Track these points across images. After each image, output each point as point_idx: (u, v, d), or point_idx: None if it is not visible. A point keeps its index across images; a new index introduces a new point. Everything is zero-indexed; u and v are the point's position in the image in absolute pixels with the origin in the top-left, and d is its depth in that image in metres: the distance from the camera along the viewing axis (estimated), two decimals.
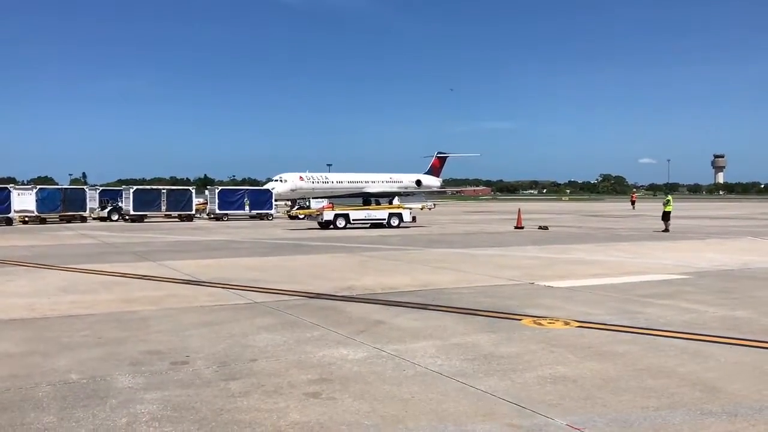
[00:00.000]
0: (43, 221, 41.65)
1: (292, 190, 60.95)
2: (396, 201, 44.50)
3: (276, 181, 60.90)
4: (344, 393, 6.14)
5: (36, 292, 12.37)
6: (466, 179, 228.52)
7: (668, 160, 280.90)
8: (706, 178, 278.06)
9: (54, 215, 42.61)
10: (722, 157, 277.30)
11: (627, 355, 7.43)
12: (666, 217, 30.31)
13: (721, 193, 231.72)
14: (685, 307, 10.52)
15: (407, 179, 76.52)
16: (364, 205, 53.55)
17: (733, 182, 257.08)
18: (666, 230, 29.56)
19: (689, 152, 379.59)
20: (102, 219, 44.54)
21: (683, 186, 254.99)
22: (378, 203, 59.19)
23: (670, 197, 31.94)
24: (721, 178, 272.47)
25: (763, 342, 8.05)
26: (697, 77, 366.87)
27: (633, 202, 68.64)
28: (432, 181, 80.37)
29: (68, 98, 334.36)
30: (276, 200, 52.35)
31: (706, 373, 6.70)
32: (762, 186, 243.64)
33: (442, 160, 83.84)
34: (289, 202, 57.42)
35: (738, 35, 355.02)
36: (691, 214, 51.24)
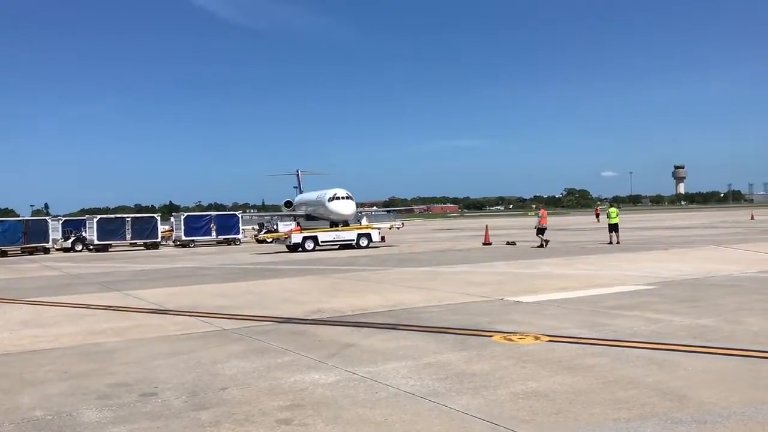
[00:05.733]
0: (3, 254, 40.83)
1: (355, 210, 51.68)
2: (364, 221, 44.25)
3: (344, 199, 49.77)
4: (317, 418, 6.08)
5: None
6: (433, 197, 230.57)
7: (630, 173, 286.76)
8: (667, 188, 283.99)
9: (15, 248, 41.81)
10: (682, 168, 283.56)
11: (597, 368, 7.49)
12: (612, 228, 29.94)
13: (682, 203, 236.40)
14: (652, 317, 10.66)
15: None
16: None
17: (694, 192, 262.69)
18: (611, 242, 29.29)
19: (650, 164, 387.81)
20: (66, 250, 43.81)
21: (646, 197, 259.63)
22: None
23: (613, 209, 31.59)
24: (682, 189, 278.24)
25: (728, 349, 8.18)
26: (656, 90, 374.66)
27: (597, 215, 69.63)
28: None
29: (27, 127, 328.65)
30: (345, 222, 45.97)
31: (675, 382, 6.78)
32: (722, 195, 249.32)
33: (299, 178, 76.95)
34: (257, 226, 56.83)
35: (695, 50, 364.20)
36: (654, 225, 52.13)
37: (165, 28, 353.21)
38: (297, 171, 77.40)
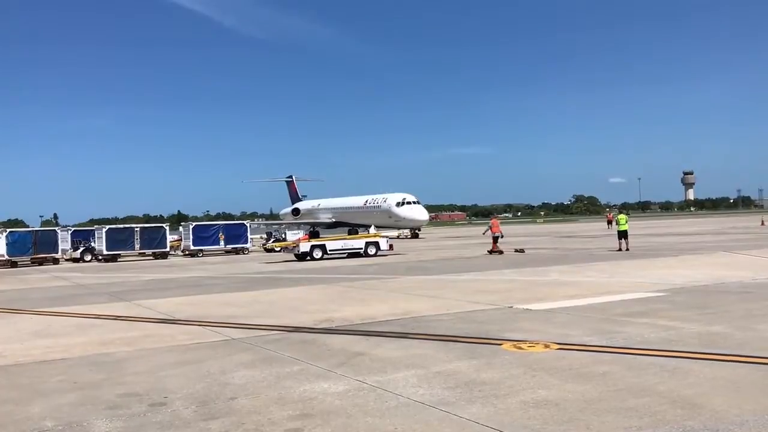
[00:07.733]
0: (14, 265, 41.01)
1: None
2: (372, 229, 44.05)
3: (416, 203, 47.83)
4: (326, 428, 6.07)
5: (7, 338, 12.11)
6: (440, 205, 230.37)
7: (639, 179, 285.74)
8: (676, 194, 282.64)
9: (25, 258, 42.01)
10: (691, 173, 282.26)
11: (608, 376, 7.45)
12: (622, 235, 30.10)
13: (692, 209, 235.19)
14: (663, 324, 10.60)
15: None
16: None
17: (703, 198, 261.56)
18: (621, 249, 29.36)
19: (659, 170, 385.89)
20: (75, 260, 43.96)
21: (655, 204, 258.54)
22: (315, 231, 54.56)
23: (622, 215, 32.00)
24: (691, 195, 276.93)
25: (739, 356, 8.13)
26: (662, 96, 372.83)
27: (609, 222, 68.99)
28: None
29: (36, 138, 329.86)
30: (417, 228, 42.75)
31: (687, 390, 6.73)
32: (731, 201, 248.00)
33: (294, 184, 76.20)
34: (265, 235, 56.92)
35: (701, 54, 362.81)
36: (663, 232, 51.89)
37: (170, 38, 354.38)
38: (291, 177, 75.41)
